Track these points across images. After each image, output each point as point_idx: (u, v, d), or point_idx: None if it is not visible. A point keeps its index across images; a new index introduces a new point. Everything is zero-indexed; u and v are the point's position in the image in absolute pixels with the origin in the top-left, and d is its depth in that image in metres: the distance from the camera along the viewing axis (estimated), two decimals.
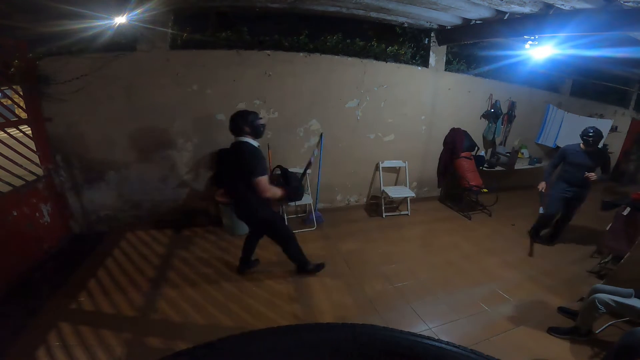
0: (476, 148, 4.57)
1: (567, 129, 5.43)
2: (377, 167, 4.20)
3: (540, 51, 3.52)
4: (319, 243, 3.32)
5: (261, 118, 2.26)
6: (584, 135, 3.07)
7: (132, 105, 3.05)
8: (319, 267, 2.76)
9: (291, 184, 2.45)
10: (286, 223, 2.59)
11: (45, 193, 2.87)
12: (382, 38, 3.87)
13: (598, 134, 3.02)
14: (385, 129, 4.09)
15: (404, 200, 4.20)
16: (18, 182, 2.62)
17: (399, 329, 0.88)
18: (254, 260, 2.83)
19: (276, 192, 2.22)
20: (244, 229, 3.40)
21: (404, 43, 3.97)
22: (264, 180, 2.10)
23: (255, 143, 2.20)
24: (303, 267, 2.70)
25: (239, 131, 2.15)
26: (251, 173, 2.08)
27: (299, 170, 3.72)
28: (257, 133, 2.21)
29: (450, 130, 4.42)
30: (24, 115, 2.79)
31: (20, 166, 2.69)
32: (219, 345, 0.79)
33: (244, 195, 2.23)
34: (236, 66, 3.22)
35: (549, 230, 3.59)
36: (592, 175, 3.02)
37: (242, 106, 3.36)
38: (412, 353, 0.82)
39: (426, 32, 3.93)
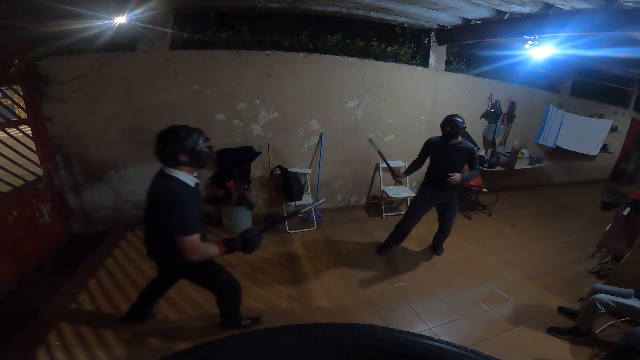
0: (476, 148, 4.57)
1: (567, 129, 5.43)
2: (377, 167, 4.20)
3: (540, 51, 3.52)
4: (319, 243, 3.32)
5: (207, 139, 1.53)
6: (445, 124, 2.61)
7: (132, 105, 3.05)
8: (255, 321, 2.16)
9: (247, 237, 1.60)
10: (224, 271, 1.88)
11: (45, 193, 2.86)
12: (382, 38, 3.86)
13: (458, 125, 2.58)
14: (386, 129, 4.09)
15: (404, 200, 4.20)
16: (18, 182, 2.61)
17: (399, 329, 0.88)
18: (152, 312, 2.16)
19: (210, 251, 1.51)
20: (244, 228, 3.40)
21: (404, 43, 3.96)
22: (191, 240, 1.42)
23: (191, 181, 1.52)
24: (233, 322, 2.07)
25: (170, 160, 1.45)
26: (172, 229, 1.43)
27: (299, 170, 3.73)
28: (199, 162, 1.52)
29: None
30: (24, 115, 2.79)
31: (20, 166, 2.69)
32: (219, 345, 0.79)
33: (163, 247, 1.59)
34: (236, 66, 3.22)
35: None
36: (455, 178, 2.53)
37: (242, 106, 3.36)
38: (412, 353, 0.82)
39: (426, 32, 3.92)
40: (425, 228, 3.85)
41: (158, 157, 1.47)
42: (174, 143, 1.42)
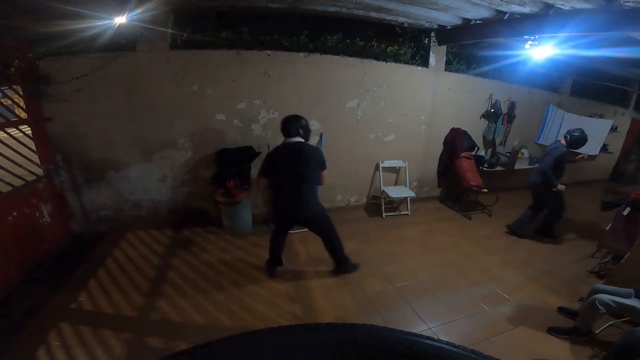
0: (476, 148, 4.57)
1: (567, 129, 5.42)
2: (377, 167, 4.20)
3: (540, 51, 3.52)
4: (319, 243, 3.31)
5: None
6: (581, 139, 3.56)
7: (132, 105, 3.05)
8: (356, 266, 2.81)
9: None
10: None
11: (45, 193, 2.86)
12: (382, 38, 3.86)
13: (586, 138, 3.61)
14: (385, 129, 4.08)
15: (404, 200, 4.20)
16: (18, 182, 2.62)
17: (399, 328, 0.88)
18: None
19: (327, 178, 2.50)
20: (244, 228, 3.41)
21: (404, 43, 3.96)
22: (326, 172, 2.47)
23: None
24: (342, 264, 2.72)
25: (295, 133, 2.35)
26: (322, 164, 2.40)
27: None
28: (307, 137, 2.43)
29: (450, 130, 4.41)
30: (24, 115, 2.79)
31: (20, 166, 2.69)
32: (219, 345, 0.79)
33: (307, 193, 2.41)
34: (236, 66, 3.22)
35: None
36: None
37: (242, 106, 3.36)
38: (412, 353, 0.81)
39: (426, 32, 3.92)
40: (425, 227, 3.86)
41: (286, 132, 2.36)
42: (295, 123, 2.37)
